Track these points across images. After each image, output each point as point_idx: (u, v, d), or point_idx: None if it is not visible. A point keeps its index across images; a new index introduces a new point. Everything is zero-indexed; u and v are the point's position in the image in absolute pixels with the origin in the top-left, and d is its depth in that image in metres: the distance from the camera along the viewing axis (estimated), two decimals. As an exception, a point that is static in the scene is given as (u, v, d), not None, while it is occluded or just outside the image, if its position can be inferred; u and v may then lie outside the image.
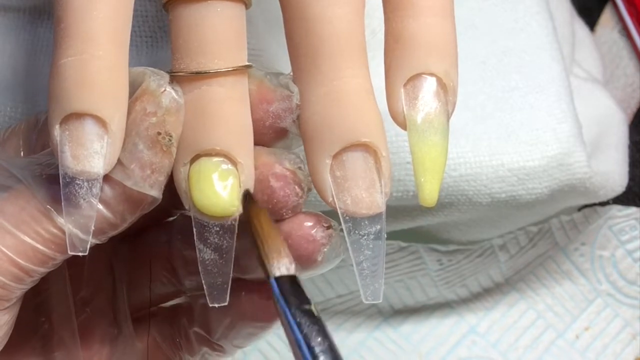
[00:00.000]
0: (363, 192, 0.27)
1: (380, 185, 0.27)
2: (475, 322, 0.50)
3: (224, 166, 0.27)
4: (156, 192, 0.27)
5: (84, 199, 0.26)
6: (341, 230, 0.28)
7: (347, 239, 0.27)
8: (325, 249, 0.28)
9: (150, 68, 0.27)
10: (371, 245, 0.27)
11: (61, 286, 0.31)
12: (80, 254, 0.26)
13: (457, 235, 0.46)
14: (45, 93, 0.26)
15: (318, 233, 0.28)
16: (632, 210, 0.49)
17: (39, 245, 0.26)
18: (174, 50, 0.27)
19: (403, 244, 0.46)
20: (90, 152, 0.25)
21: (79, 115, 0.25)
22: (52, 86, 0.26)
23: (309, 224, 0.28)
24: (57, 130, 0.26)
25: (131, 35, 0.27)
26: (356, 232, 0.27)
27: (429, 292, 0.48)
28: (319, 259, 0.28)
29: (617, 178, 0.44)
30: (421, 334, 0.49)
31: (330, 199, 0.27)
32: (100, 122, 0.25)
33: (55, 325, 0.31)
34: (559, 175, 0.41)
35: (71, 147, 0.25)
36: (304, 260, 0.28)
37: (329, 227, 0.29)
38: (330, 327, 0.48)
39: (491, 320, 0.50)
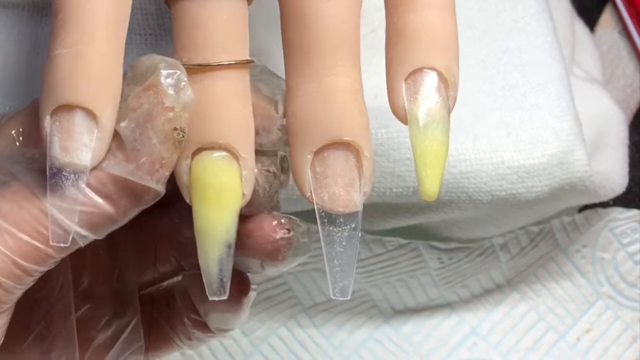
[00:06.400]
0: (341, 189, 0.27)
1: (360, 185, 0.27)
2: (476, 324, 0.49)
3: (226, 160, 0.27)
4: (161, 187, 0.27)
5: (70, 191, 0.26)
6: (307, 230, 0.29)
7: (320, 233, 0.27)
8: (286, 250, 0.29)
9: (164, 57, 0.27)
10: (344, 243, 0.27)
11: (62, 280, 0.31)
12: (62, 244, 0.26)
13: (457, 233, 0.46)
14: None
15: (278, 235, 0.29)
16: (634, 212, 0.49)
17: (40, 245, 0.26)
18: (177, 44, 0.27)
19: (403, 241, 0.45)
20: (79, 145, 0.25)
21: (69, 107, 0.25)
22: (45, 77, 0.26)
23: (270, 225, 0.29)
24: (47, 121, 0.26)
25: (132, 34, 0.27)
26: (330, 228, 0.27)
27: (430, 293, 0.48)
28: (279, 258, 0.29)
29: (616, 178, 0.44)
30: (422, 335, 0.49)
31: (309, 193, 0.27)
32: (91, 115, 0.25)
33: (55, 321, 0.31)
34: (559, 174, 0.41)
35: (60, 139, 0.25)
36: (265, 257, 0.29)
37: (289, 231, 0.29)
38: (331, 327, 0.48)
39: (492, 322, 0.50)
